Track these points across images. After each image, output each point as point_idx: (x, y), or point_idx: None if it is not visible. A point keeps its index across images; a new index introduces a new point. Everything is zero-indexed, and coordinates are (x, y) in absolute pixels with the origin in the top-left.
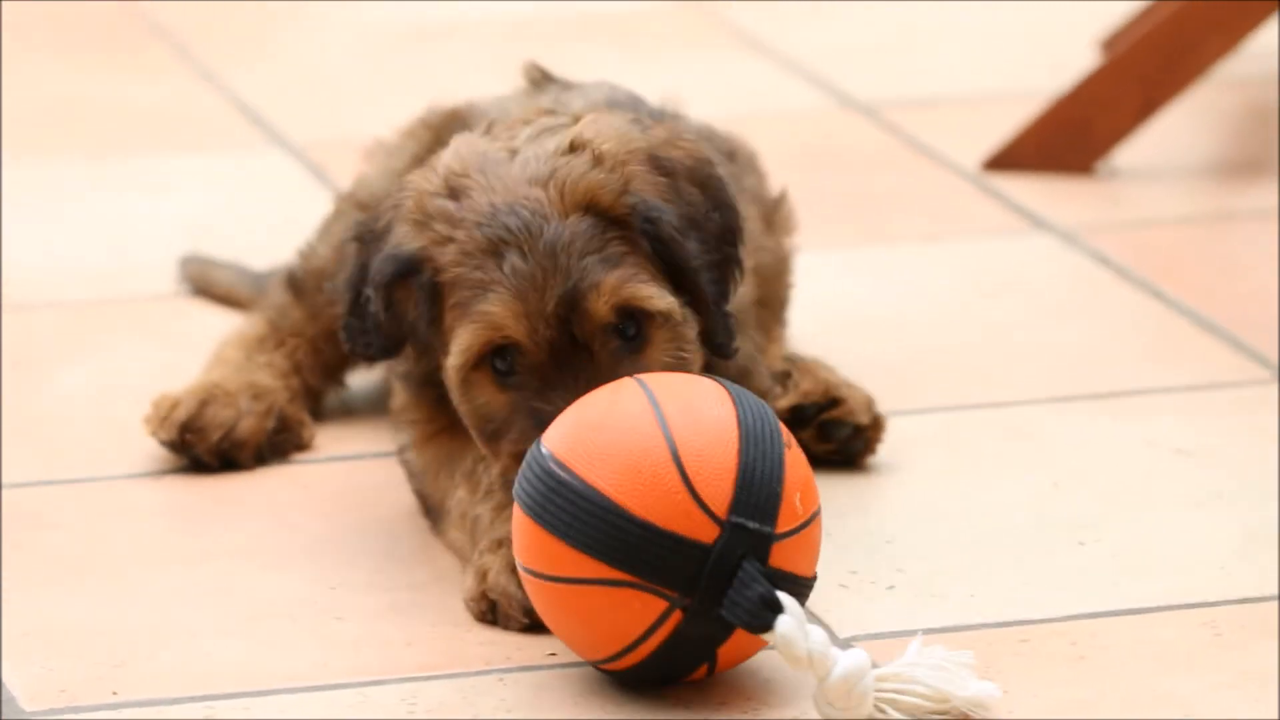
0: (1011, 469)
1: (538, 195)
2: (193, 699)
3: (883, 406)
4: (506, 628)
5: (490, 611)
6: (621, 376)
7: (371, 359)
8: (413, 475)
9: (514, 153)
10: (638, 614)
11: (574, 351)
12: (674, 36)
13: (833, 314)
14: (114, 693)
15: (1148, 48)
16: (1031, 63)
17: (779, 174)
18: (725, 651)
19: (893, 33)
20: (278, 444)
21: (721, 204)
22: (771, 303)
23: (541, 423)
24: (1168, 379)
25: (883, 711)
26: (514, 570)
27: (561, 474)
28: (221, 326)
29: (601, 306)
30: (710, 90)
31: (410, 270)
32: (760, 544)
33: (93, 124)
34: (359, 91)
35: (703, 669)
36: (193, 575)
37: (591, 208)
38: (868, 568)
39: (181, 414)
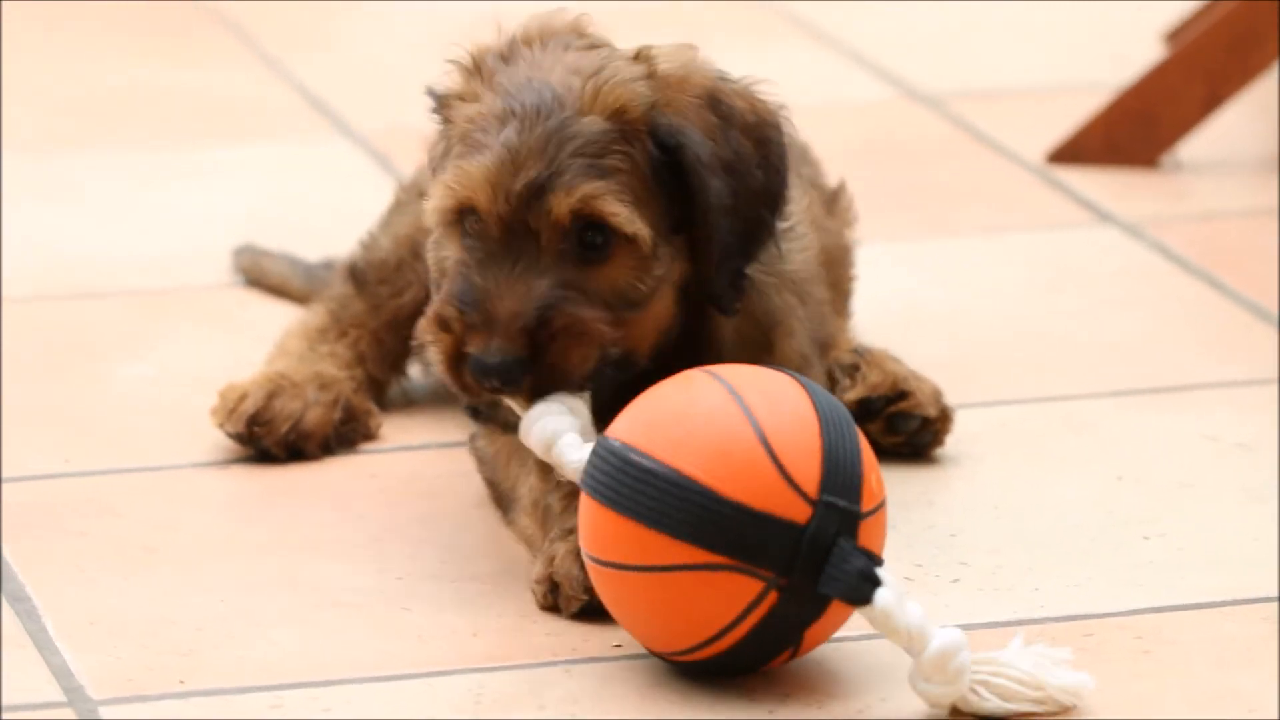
0: (1075, 463)
1: (571, 83)
2: (259, 689)
3: (946, 399)
4: (567, 609)
5: (552, 593)
6: (562, 280)
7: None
8: (483, 463)
9: (586, 43)
10: (733, 597)
11: (525, 237)
12: (738, 29)
13: (896, 306)
14: (181, 681)
15: (1213, 41)
16: (1096, 55)
17: (843, 166)
18: (811, 634)
19: (958, 24)
20: (344, 434)
21: (771, 166)
22: (837, 294)
23: (462, 294)
24: (1230, 373)
25: (976, 693)
26: (579, 555)
27: (645, 462)
28: (286, 316)
29: (562, 206)
30: (774, 83)
31: (440, 107)
32: (850, 522)
33: (157, 113)
34: (424, 81)
35: (786, 654)
36: (260, 565)
37: (614, 115)
38: (933, 561)
39: (249, 406)
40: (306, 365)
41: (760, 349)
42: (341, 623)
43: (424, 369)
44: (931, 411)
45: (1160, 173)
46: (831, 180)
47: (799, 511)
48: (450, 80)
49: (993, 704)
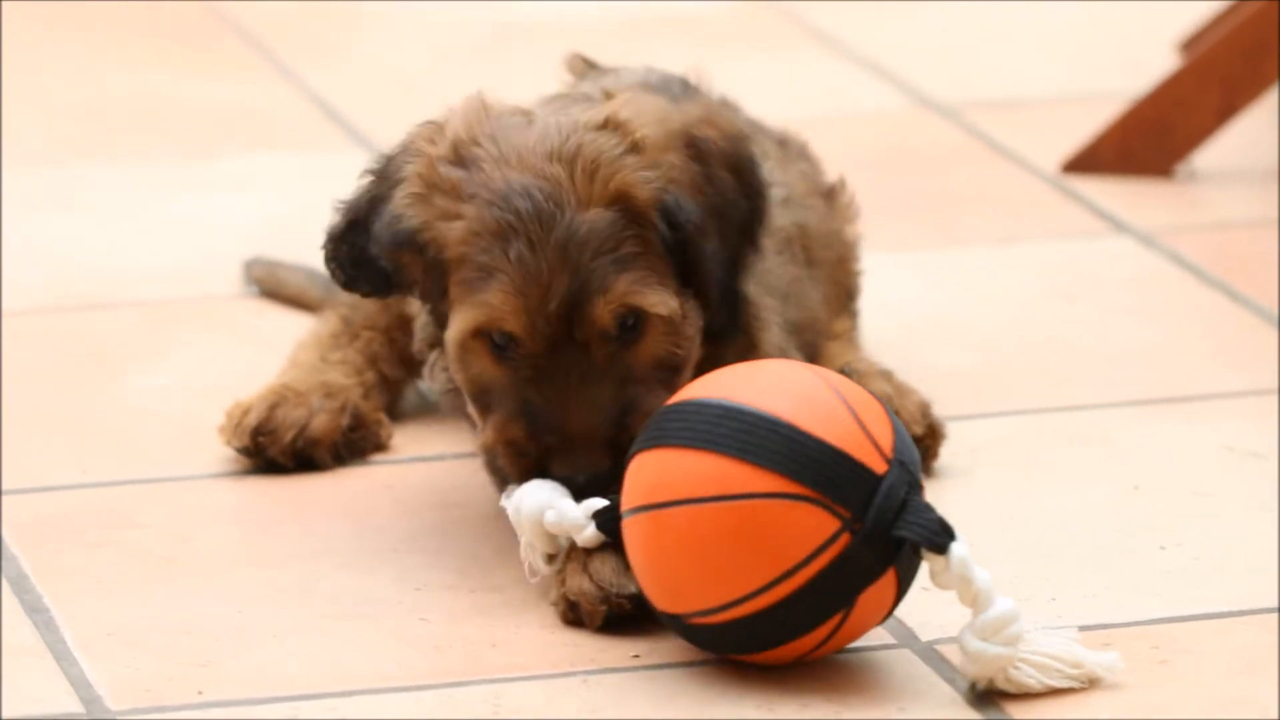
0: (1090, 473)
1: (556, 174)
2: (277, 699)
3: (958, 409)
4: (592, 624)
5: (573, 611)
6: (618, 376)
7: (362, 294)
8: (442, 386)
9: (530, 118)
10: (810, 532)
11: (571, 348)
12: (751, 36)
13: (909, 315)
14: (199, 692)
15: (1228, 50)
16: (1111, 64)
17: (856, 174)
18: (862, 603)
19: (971, 33)
20: (354, 442)
21: (751, 190)
22: (838, 290)
23: (528, 413)
24: (1246, 382)
25: (1018, 669)
26: (586, 569)
27: (729, 404)
28: (300, 325)
29: (605, 313)
30: (787, 90)
31: (411, 245)
32: (917, 488)
33: (171, 123)
34: (439, 91)
35: (835, 620)
36: (277, 575)
37: (617, 202)
38: None
39: (252, 419)
40: (314, 375)
41: (745, 349)
42: (359, 633)
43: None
44: (917, 429)
45: (1175, 182)
46: (831, 180)
47: (877, 462)
48: (409, 210)
49: (1034, 680)
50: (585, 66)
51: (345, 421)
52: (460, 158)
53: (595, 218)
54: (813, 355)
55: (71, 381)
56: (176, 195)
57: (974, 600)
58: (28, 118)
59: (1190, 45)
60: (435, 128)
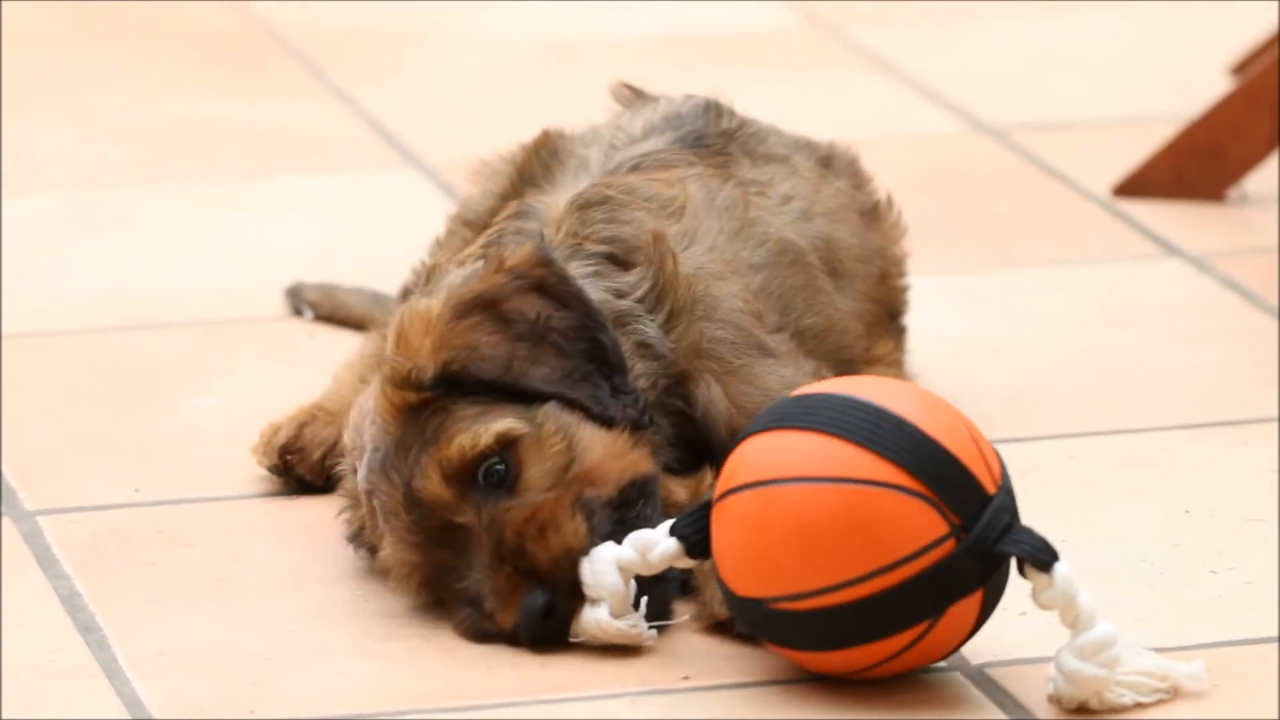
0: (1141, 496)
1: (372, 430)
2: (328, 718)
3: (1009, 432)
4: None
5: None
6: (490, 529)
7: None
8: None
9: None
10: (920, 529)
11: (454, 533)
12: (803, 58)
13: (960, 338)
14: (251, 711)
15: None
16: (1163, 88)
17: (908, 197)
18: (950, 616)
19: (1023, 56)
20: None
21: (564, 298)
22: (876, 307)
23: (470, 601)
24: None
25: (1112, 690)
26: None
27: (857, 399)
28: (352, 346)
29: (435, 487)
30: (839, 113)
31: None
32: (1019, 519)
33: (226, 145)
34: (490, 112)
35: (918, 629)
36: (328, 595)
37: (399, 410)
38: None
39: (281, 438)
40: (348, 395)
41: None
42: (410, 653)
43: None
44: None
45: (1227, 206)
46: (877, 198)
47: (989, 481)
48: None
49: (1128, 699)
50: (631, 95)
51: None
52: (352, 452)
53: (397, 428)
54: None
55: (123, 402)
56: (229, 217)
57: (1075, 621)
58: (81, 141)
59: (1242, 69)
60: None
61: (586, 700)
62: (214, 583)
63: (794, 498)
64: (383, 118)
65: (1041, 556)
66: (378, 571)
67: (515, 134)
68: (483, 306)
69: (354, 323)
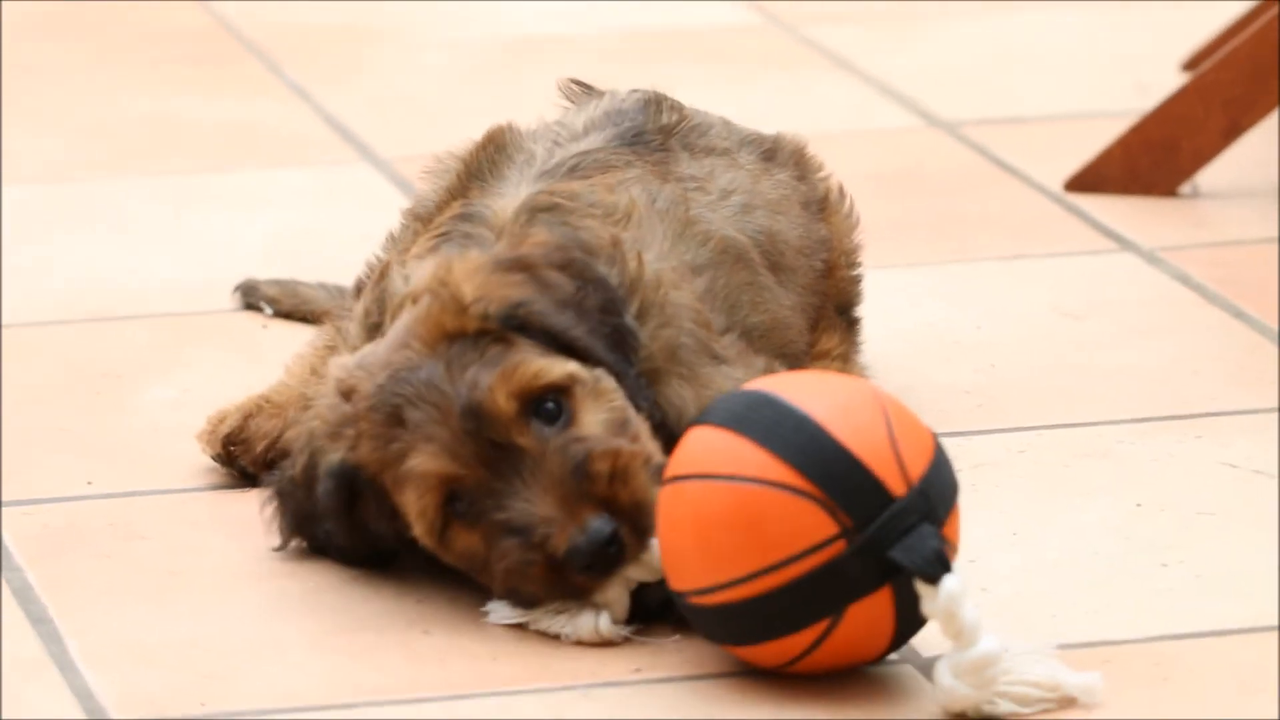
0: (1094, 490)
1: (404, 354)
2: (280, 711)
3: (962, 426)
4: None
5: None
6: (555, 450)
7: (369, 566)
8: None
9: (379, 340)
10: (807, 529)
11: (505, 456)
12: (763, 56)
13: (915, 332)
14: (203, 704)
15: (1233, 69)
16: (1116, 84)
17: (864, 193)
18: (852, 616)
19: (978, 52)
20: None
21: (590, 280)
22: (821, 299)
23: (510, 532)
24: (1250, 401)
25: (993, 703)
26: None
27: (770, 396)
28: (307, 339)
29: (500, 400)
30: (798, 110)
31: (351, 479)
32: (934, 521)
33: (187, 141)
34: (449, 109)
35: (818, 628)
36: (282, 588)
37: (450, 335)
38: None
39: (225, 428)
40: (297, 387)
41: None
42: (364, 647)
43: None
44: None
45: (1180, 201)
46: (826, 188)
47: (896, 483)
48: (330, 455)
49: (1007, 708)
50: (580, 91)
51: None
52: (344, 394)
53: (444, 351)
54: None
55: (80, 395)
56: (188, 212)
57: (957, 636)
58: (41, 136)
59: (1195, 64)
60: (316, 397)
61: (538, 693)
62: (167, 576)
63: (692, 494)
64: (342, 115)
65: (927, 569)
66: (403, 479)
67: (475, 131)
68: (522, 268)
69: (315, 318)
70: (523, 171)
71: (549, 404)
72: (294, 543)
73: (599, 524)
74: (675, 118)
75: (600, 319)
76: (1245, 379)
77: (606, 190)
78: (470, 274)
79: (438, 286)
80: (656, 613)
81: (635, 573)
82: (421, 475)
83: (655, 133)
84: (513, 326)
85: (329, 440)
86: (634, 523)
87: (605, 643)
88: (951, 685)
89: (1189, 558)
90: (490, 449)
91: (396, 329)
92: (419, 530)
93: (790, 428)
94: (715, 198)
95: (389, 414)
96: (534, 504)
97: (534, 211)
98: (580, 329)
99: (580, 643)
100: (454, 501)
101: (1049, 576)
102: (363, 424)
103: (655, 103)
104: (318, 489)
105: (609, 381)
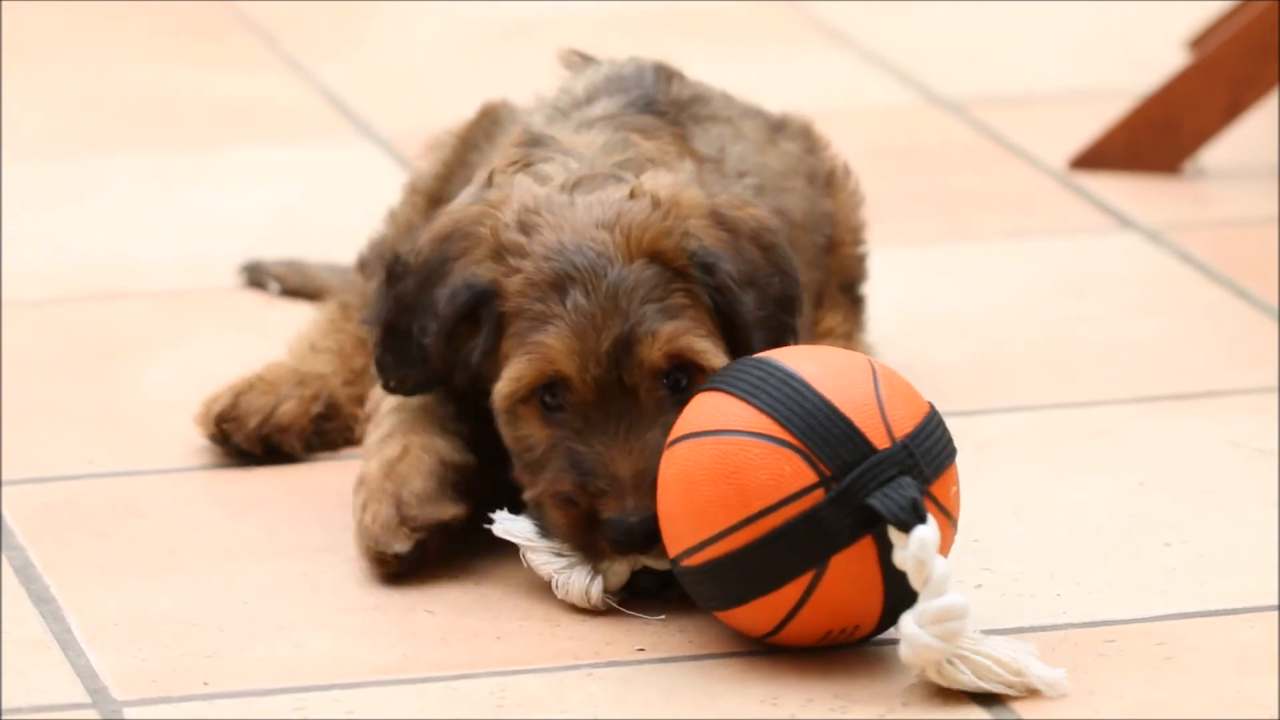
0: (1097, 469)
1: (604, 238)
2: (283, 690)
3: (965, 404)
4: (376, 573)
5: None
6: (669, 426)
7: (409, 392)
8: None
9: (573, 199)
10: (787, 478)
11: (621, 394)
12: (763, 32)
13: (917, 311)
14: (205, 683)
15: (1236, 47)
16: (1119, 62)
17: (866, 170)
18: (837, 567)
19: (980, 30)
20: (326, 432)
21: (783, 270)
22: (825, 275)
23: (576, 465)
24: (1252, 379)
25: (953, 664)
26: (365, 511)
27: (761, 358)
28: (310, 316)
29: (655, 353)
30: (798, 85)
31: (483, 300)
32: (918, 477)
33: (182, 116)
34: (447, 84)
35: (804, 580)
36: (282, 567)
37: (655, 255)
38: (955, 566)
39: (218, 406)
40: (292, 364)
41: None
42: (365, 625)
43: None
44: None
45: (1182, 179)
46: (832, 165)
47: (879, 437)
48: (481, 269)
49: (967, 678)
50: (579, 60)
51: (316, 409)
52: (523, 224)
53: (640, 269)
54: None
55: (79, 372)
56: (185, 187)
57: (924, 585)
58: (36, 110)
59: (1198, 43)
60: (494, 202)
61: (542, 673)
62: (168, 554)
63: (682, 453)
64: (339, 89)
65: (900, 516)
66: (525, 338)
67: (471, 105)
68: (730, 229)
69: (321, 296)
70: None
71: (683, 379)
72: (374, 324)
73: (651, 514)
74: (688, 94)
75: (774, 310)
76: (1247, 357)
77: (659, 151)
78: (695, 208)
79: (666, 200)
80: (648, 593)
81: (649, 559)
82: (541, 350)
83: (668, 104)
84: (704, 280)
85: (488, 256)
86: None
87: (591, 609)
88: (914, 633)
89: (1191, 537)
90: (614, 381)
91: (599, 203)
92: (502, 388)
93: (775, 383)
94: (731, 179)
95: (556, 277)
96: (613, 459)
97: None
98: (753, 314)
99: (568, 599)
100: (550, 390)
101: (1051, 555)
102: (528, 265)
103: (665, 73)
104: (443, 288)
105: None
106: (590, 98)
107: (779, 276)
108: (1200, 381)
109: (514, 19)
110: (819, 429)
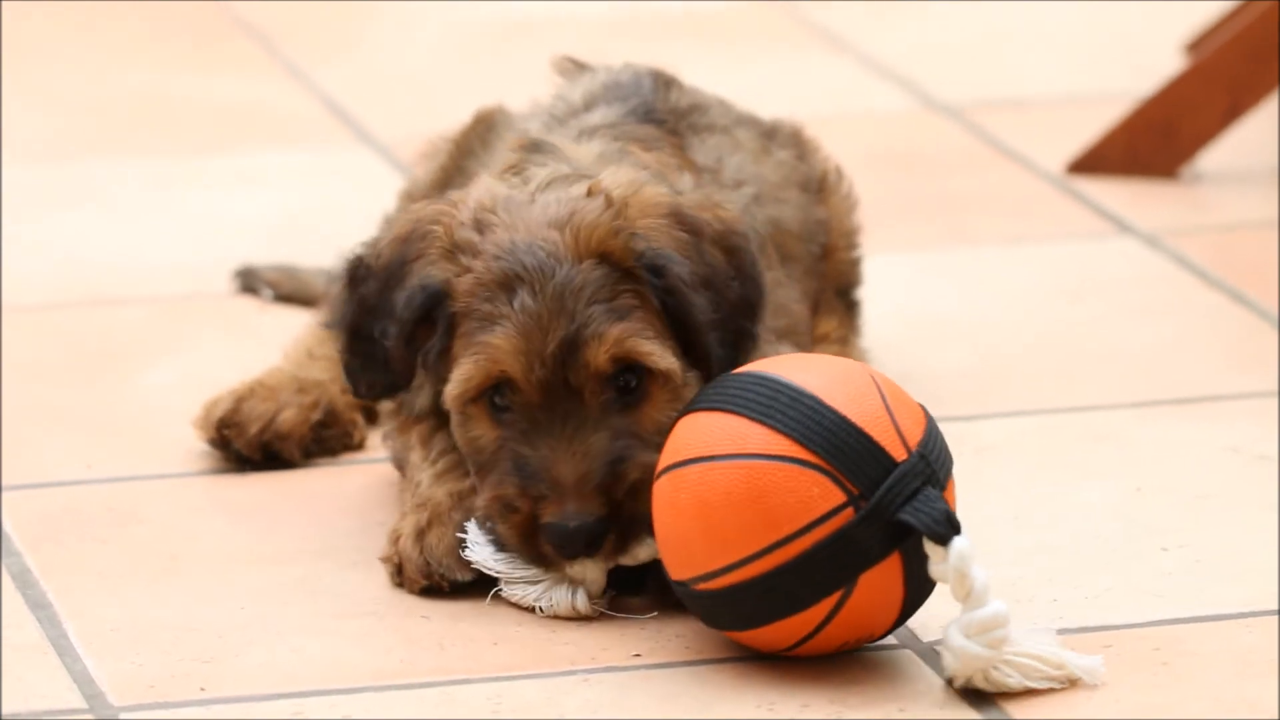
0: (1095, 473)
1: (554, 237)
2: (280, 696)
3: (962, 410)
4: (410, 589)
5: (397, 573)
6: (615, 429)
7: (376, 397)
8: (394, 453)
9: (534, 197)
10: (815, 500)
11: (567, 396)
12: (760, 36)
13: (915, 316)
14: (202, 689)
15: (1234, 51)
16: (1117, 65)
17: (863, 175)
18: (864, 584)
19: (978, 34)
20: (325, 439)
21: (745, 275)
22: (821, 283)
23: (519, 468)
24: (1250, 384)
25: (998, 669)
26: (421, 535)
27: (762, 374)
28: (306, 322)
29: (600, 356)
30: (795, 90)
31: (437, 301)
32: (937, 485)
33: (180, 120)
34: (445, 88)
35: (832, 599)
36: (280, 572)
37: (605, 256)
38: None
39: (219, 411)
40: (291, 371)
41: None
42: (362, 630)
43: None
44: None
45: (1180, 183)
46: (824, 169)
47: (897, 449)
48: (434, 269)
49: (1015, 680)
50: (573, 67)
51: (316, 417)
52: (478, 223)
53: (588, 269)
54: None
55: (77, 377)
56: (185, 192)
57: (966, 597)
58: (36, 114)
59: (1196, 46)
60: (454, 201)
61: (538, 678)
62: (166, 560)
63: (694, 478)
64: (338, 94)
65: (937, 529)
66: (474, 339)
67: (470, 111)
68: (691, 230)
69: (316, 302)
70: None
71: (632, 380)
72: (337, 327)
73: (591, 519)
74: (686, 103)
75: (731, 314)
76: (1245, 362)
77: (660, 165)
78: (649, 207)
79: (617, 200)
80: (631, 583)
81: (621, 558)
82: (487, 351)
83: (667, 113)
84: (653, 281)
85: (441, 256)
86: (624, 533)
87: (582, 617)
88: (963, 645)
89: (1190, 542)
90: (560, 383)
91: (555, 202)
92: (451, 390)
93: (786, 401)
94: (729, 188)
95: (505, 277)
96: (555, 462)
97: (607, 160)
98: (706, 316)
99: (556, 616)
100: (498, 391)
101: (1050, 560)
102: (478, 264)
103: (664, 81)
104: (400, 291)
105: (692, 389)
106: (588, 105)
107: (740, 280)
108: (1199, 386)
109: (513, 22)
110: (841, 447)
